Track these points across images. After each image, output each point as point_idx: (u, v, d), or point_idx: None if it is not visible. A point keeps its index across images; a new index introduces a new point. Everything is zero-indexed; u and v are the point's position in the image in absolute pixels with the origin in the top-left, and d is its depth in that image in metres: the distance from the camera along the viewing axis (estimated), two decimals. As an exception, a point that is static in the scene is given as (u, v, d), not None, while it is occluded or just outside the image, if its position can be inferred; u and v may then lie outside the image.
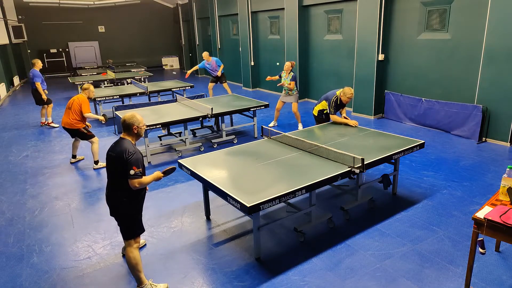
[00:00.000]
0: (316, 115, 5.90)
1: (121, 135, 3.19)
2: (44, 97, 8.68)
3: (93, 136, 6.26)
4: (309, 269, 3.47)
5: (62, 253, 3.87)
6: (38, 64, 8.65)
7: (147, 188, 3.46)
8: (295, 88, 7.86)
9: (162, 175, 3.23)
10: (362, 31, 8.61)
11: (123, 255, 3.77)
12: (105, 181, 5.66)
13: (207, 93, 10.66)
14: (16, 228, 4.39)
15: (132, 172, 2.97)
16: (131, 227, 3.19)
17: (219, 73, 10.56)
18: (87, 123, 6.25)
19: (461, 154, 6.29)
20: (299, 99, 11.09)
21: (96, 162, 6.21)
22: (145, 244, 3.96)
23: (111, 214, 3.24)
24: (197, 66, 10.87)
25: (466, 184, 5.13)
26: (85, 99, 6.08)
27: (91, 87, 6.16)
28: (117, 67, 16.48)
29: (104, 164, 6.21)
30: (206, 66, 10.58)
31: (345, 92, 5.43)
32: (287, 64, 7.81)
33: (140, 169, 3.03)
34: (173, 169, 3.29)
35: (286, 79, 7.85)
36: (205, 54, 10.58)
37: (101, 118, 6.44)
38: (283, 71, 7.93)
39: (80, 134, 6.17)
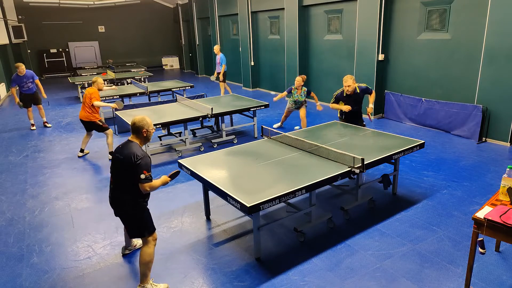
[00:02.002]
0: (339, 116, 5.90)
1: (129, 138, 3.19)
2: (16, 101, 8.43)
3: (108, 128, 6.58)
4: (309, 269, 3.47)
5: (62, 253, 3.87)
6: (19, 68, 8.31)
7: None
8: (305, 102, 7.54)
9: (169, 179, 3.23)
10: (362, 31, 8.61)
11: (123, 255, 3.78)
12: (106, 181, 5.67)
13: (207, 93, 10.66)
14: (16, 228, 4.39)
15: (143, 176, 2.97)
16: (141, 226, 3.19)
17: (220, 76, 10.59)
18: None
19: (461, 154, 6.29)
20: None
21: (111, 153, 6.32)
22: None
23: (116, 215, 3.26)
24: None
25: (466, 184, 5.13)
26: (94, 90, 6.39)
27: (99, 79, 6.49)
28: (117, 67, 16.48)
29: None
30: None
31: (343, 81, 5.46)
32: (298, 80, 7.23)
33: (150, 173, 3.04)
34: (178, 173, 3.29)
35: (300, 96, 7.34)
36: (215, 48, 10.74)
37: (113, 105, 6.71)
38: (293, 87, 7.35)
39: (96, 126, 6.49)
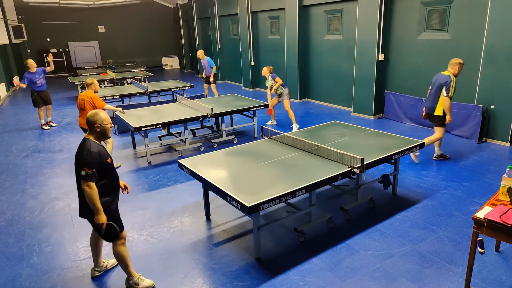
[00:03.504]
0: (441, 115, 5.59)
1: (85, 135, 3.08)
2: (20, 85, 8.49)
3: (109, 136, 6.28)
4: (309, 269, 3.47)
5: (62, 253, 3.87)
6: (29, 64, 8.45)
7: (127, 188, 3.39)
8: (281, 86, 7.83)
9: (105, 221, 2.96)
10: (362, 31, 8.60)
11: (92, 277, 3.49)
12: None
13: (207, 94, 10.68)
14: (16, 228, 4.39)
15: (83, 173, 2.80)
16: (108, 232, 3.05)
17: (211, 77, 10.48)
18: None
19: (461, 154, 6.29)
20: (300, 99, 11.16)
21: None
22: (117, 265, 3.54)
23: (80, 215, 3.14)
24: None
25: (466, 184, 5.13)
26: (93, 94, 5.96)
27: (95, 80, 6.08)
28: (117, 67, 16.49)
29: (118, 164, 6.18)
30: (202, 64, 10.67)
31: (452, 64, 5.45)
32: (264, 70, 7.88)
33: (93, 171, 2.83)
34: (112, 229, 3.04)
35: (269, 82, 7.86)
36: (199, 53, 10.59)
37: (119, 109, 6.55)
38: (266, 81, 7.98)
39: None
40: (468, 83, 7.14)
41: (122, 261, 3.22)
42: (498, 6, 6.27)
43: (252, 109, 7.30)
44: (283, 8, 11.09)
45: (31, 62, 8.48)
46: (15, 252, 3.92)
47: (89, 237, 4.17)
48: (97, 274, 3.51)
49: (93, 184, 2.86)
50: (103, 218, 2.96)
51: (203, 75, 10.83)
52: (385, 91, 8.70)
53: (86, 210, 3.08)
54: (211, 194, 4.42)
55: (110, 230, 3.04)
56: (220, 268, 3.54)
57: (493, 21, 6.39)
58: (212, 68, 10.43)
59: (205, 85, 10.88)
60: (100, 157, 2.95)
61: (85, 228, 4.34)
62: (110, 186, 3.08)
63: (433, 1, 7.47)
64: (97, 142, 3.04)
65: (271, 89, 7.95)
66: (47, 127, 8.92)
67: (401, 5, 8.10)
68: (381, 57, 8.47)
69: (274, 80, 7.80)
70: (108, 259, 3.66)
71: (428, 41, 7.74)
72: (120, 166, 6.24)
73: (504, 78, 6.42)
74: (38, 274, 3.54)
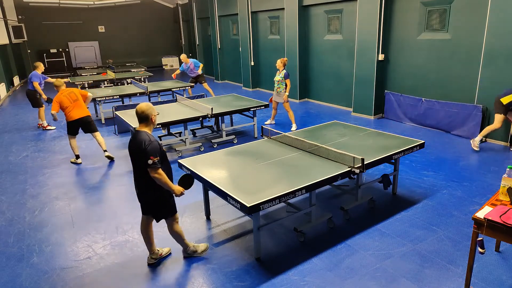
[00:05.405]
0: (504, 103, 5.99)
1: (137, 128, 3.30)
2: (44, 96, 8.67)
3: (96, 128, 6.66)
4: (309, 269, 3.47)
5: (62, 253, 3.87)
6: (40, 67, 8.72)
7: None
8: (284, 87, 7.84)
9: (182, 189, 3.36)
10: (362, 31, 8.61)
11: (149, 264, 3.62)
12: (106, 181, 5.69)
13: (207, 93, 10.67)
14: (16, 228, 4.39)
15: (150, 161, 3.08)
16: (163, 209, 3.42)
17: (199, 71, 10.51)
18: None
19: (461, 154, 6.29)
20: (300, 99, 11.16)
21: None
22: (170, 253, 3.80)
23: (140, 200, 3.45)
24: (178, 69, 10.83)
25: (466, 184, 5.13)
26: (72, 88, 6.53)
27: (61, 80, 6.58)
28: (117, 67, 16.48)
29: (113, 156, 6.57)
30: (185, 68, 10.56)
31: None
32: (278, 62, 7.86)
33: (157, 158, 3.11)
34: (188, 178, 3.45)
35: (279, 76, 7.86)
36: (182, 57, 10.50)
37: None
38: (278, 71, 7.95)
39: (91, 123, 6.47)
40: (468, 83, 7.14)
41: (179, 237, 3.55)
42: (498, 6, 6.27)
43: (252, 109, 7.30)
44: (283, 8, 11.09)
45: (42, 65, 8.80)
46: (15, 252, 3.92)
47: (90, 237, 4.19)
48: (153, 261, 3.65)
49: (161, 170, 3.17)
50: (178, 188, 3.34)
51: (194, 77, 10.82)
52: (385, 91, 8.70)
53: (139, 193, 3.39)
54: (211, 194, 4.42)
55: (189, 182, 3.46)
56: (220, 268, 3.54)
57: (493, 21, 6.39)
58: (199, 67, 10.49)
59: (204, 84, 10.84)
60: (159, 145, 3.23)
61: (85, 228, 4.35)
62: (166, 172, 3.30)
63: (433, 1, 7.47)
64: (150, 132, 3.28)
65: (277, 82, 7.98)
66: (53, 127, 8.97)
67: (401, 5, 8.10)
68: (381, 57, 8.47)
69: (284, 80, 7.78)
70: (162, 247, 3.79)
71: (428, 41, 7.74)
72: (113, 158, 6.62)
73: (503, 78, 6.41)
74: (38, 274, 3.54)
